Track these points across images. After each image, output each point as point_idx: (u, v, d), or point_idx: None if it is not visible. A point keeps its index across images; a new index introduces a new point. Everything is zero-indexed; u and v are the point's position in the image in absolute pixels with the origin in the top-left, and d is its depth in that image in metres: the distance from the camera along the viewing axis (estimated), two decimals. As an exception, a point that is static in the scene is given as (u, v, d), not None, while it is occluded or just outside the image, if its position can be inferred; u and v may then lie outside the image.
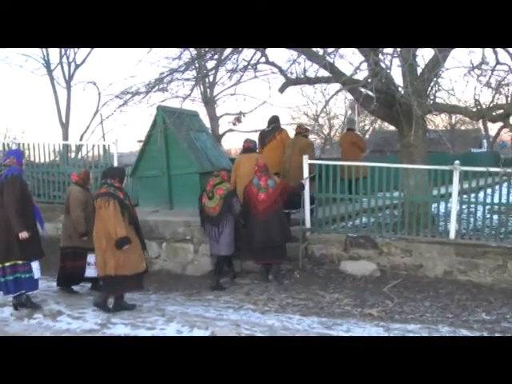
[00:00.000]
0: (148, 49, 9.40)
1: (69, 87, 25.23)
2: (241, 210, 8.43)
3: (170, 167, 9.81)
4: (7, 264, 6.75)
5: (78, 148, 14.39)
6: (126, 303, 7.07)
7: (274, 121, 10.60)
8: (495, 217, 9.15)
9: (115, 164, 10.65)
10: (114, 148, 11.00)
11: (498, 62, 8.53)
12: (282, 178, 9.17)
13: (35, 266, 6.89)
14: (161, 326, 6.26)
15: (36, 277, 6.90)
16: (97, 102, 25.32)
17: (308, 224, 9.24)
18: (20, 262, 6.77)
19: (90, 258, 7.55)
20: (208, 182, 8.58)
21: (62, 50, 23.99)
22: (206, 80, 22.32)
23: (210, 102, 24.54)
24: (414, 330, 6.37)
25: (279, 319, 6.72)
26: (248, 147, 9.53)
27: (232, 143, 45.23)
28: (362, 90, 8.67)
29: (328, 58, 8.63)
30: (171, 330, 6.08)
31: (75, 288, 8.12)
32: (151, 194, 10.10)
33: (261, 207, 8.34)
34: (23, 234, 6.62)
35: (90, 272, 7.67)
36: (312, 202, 9.29)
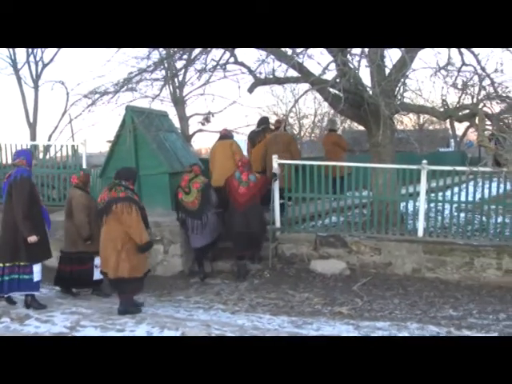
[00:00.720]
0: (116, 48, 9.35)
1: (36, 87, 24.84)
2: (223, 200, 8.74)
3: (140, 167, 9.74)
4: (7, 264, 6.75)
5: (46, 148, 14.22)
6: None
7: (264, 122, 11.26)
8: (462, 215, 9.28)
9: (84, 165, 10.55)
10: (82, 148, 10.89)
11: (463, 63, 8.66)
12: (266, 175, 9.35)
13: (37, 268, 6.86)
14: (131, 327, 6.19)
15: (36, 279, 6.87)
16: (65, 101, 24.97)
17: (278, 223, 9.27)
18: (22, 264, 6.76)
19: (97, 260, 7.51)
20: (182, 178, 8.75)
21: (29, 49, 23.63)
22: (176, 80, 22.21)
23: (179, 102, 24.40)
24: (383, 327, 6.43)
25: (249, 319, 6.72)
26: (224, 134, 10.07)
27: (202, 143, 45.09)
28: (331, 90, 8.72)
29: (297, 58, 8.68)
30: (141, 332, 6.01)
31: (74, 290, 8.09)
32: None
33: (241, 200, 8.60)
34: (32, 238, 6.61)
35: (97, 275, 7.66)
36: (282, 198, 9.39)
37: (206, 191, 8.61)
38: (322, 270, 8.77)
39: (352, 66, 8.35)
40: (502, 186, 8.87)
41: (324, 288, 8.16)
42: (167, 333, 5.94)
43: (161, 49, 10.13)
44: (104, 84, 9.73)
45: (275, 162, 9.16)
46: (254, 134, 11.02)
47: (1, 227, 6.96)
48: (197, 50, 9.42)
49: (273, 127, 11.48)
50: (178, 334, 5.90)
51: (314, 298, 7.66)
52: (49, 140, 23.60)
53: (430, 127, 34.59)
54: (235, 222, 8.58)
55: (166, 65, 10.06)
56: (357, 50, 8.42)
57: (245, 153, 10.90)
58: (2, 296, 6.94)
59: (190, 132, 26.16)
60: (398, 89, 8.84)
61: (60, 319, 6.52)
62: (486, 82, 8.53)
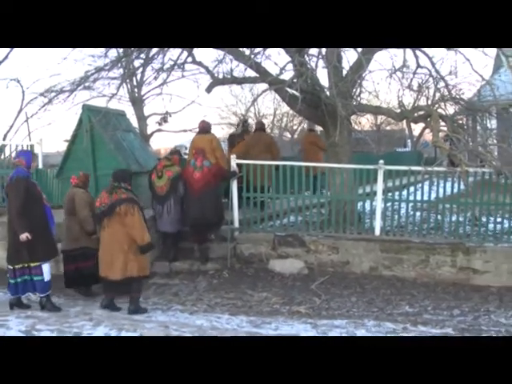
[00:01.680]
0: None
1: (-10, 85, 24.30)
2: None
3: (97, 168, 9.62)
4: (17, 266, 6.83)
5: (1, 148, 13.89)
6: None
7: (243, 124, 12.09)
8: (418, 214, 9.44)
9: (40, 165, 10.37)
10: (38, 148, 10.72)
11: (418, 66, 8.83)
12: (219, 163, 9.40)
13: (46, 268, 6.91)
14: (88, 330, 6.10)
15: (47, 279, 6.92)
16: (21, 100, 24.42)
17: (236, 223, 9.27)
18: (32, 265, 6.82)
19: None
20: (159, 162, 9.11)
21: (-18, 47, 23.04)
22: (133, 79, 22.01)
23: (137, 101, 24.19)
24: (340, 325, 6.51)
25: (208, 319, 6.72)
26: (203, 127, 10.29)
27: (160, 143, 44.68)
28: (289, 90, 8.77)
29: (254, 58, 8.71)
30: (99, 334, 5.94)
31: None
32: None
33: (196, 186, 8.67)
34: (23, 236, 6.59)
35: None
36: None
37: (176, 181, 8.76)
38: (281, 269, 8.80)
39: (309, 67, 8.43)
40: (456, 185, 9.05)
41: (282, 287, 8.20)
42: (125, 335, 5.89)
43: (118, 47, 10.05)
44: (60, 82, 9.62)
45: (234, 162, 9.17)
46: (234, 135, 11.56)
47: (7, 230, 7.03)
48: (154, 50, 9.35)
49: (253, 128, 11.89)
50: (135, 335, 5.86)
51: (273, 298, 7.69)
52: (4, 139, 23.06)
53: (388, 128, 35.12)
54: (191, 208, 8.67)
55: (123, 63, 9.94)
56: (314, 51, 8.52)
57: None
58: (14, 298, 6.98)
59: (149, 132, 25.99)
60: (354, 90, 8.95)
61: (15, 323, 6.38)
62: (441, 84, 8.72)
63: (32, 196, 6.82)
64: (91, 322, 6.47)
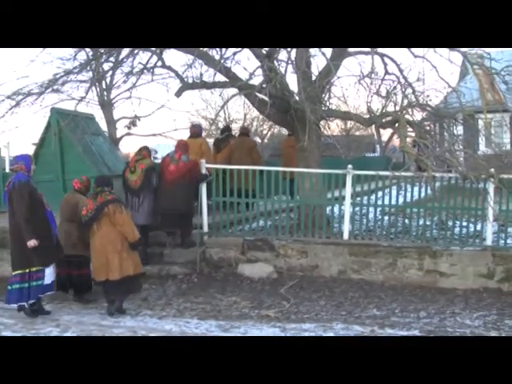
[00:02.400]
0: (41, 48, 9.13)
1: (-46, 86, 23.79)
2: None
3: (65, 171, 9.55)
4: (19, 272, 6.82)
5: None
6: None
7: (227, 129, 12.58)
8: (386, 218, 9.54)
9: (7, 168, 10.24)
10: (5, 151, 10.57)
11: (386, 72, 8.95)
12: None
13: (49, 271, 6.93)
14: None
15: (48, 282, 6.94)
16: (-14, 103, 23.98)
17: (205, 228, 9.26)
18: (34, 269, 6.81)
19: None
20: (131, 158, 9.31)
21: None
22: (103, 82, 21.81)
23: (106, 104, 23.94)
24: (309, 328, 6.54)
25: (177, 324, 6.71)
26: (194, 132, 10.83)
27: (130, 147, 44.31)
28: (258, 95, 8.80)
29: (224, 63, 8.73)
30: (66, 340, 5.90)
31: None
32: (46, 199, 9.74)
33: (170, 177, 8.85)
34: (31, 243, 6.60)
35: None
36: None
37: (149, 173, 8.93)
38: (250, 273, 8.81)
39: (278, 72, 8.47)
40: (423, 190, 9.18)
41: (251, 291, 8.21)
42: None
43: (87, 49, 9.98)
44: (28, 85, 9.44)
45: (203, 166, 9.16)
46: (219, 140, 11.82)
47: (9, 236, 7.03)
48: (124, 53, 9.32)
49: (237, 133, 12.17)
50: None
51: (242, 302, 7.70)
52: (-31, 143, 22.68)
53: (357, 133, 35.42)
54: (162, 199, 8.81)
55: (92, 66, 9.86)
56: (283, 56, 8.58)
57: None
58: (23, 305, 6.90)
59: (118, 135, 25.74)
60: (323, 95, 9.02)
61: (-21, 330, 6.32)
62: (409, 90, 8.84)
63: (35, 200, 6.83)
64: (58, 328, 6.44)
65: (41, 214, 6.88)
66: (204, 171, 9.15)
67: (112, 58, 9.67)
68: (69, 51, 9.83)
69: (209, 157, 10.34)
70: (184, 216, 8.88)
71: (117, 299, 7.18)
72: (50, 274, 6.94)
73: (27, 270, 6.79)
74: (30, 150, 10.73)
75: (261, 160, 11.75)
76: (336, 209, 9.60)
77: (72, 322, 6.76)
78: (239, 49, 8.89)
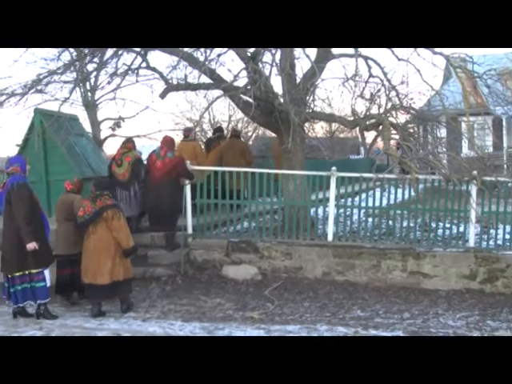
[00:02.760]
0: (24, 48, 9.08)
1: None
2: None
3: (49, 173, 9.49)
4: (17, 274, 6.75)
5: None
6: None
7: (219, 130, 12.89)
8: (370, 220, 9.59)
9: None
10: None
11: (370, 75, 8.99)
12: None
13: (47, 274, 6.94)
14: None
15: (48, 284, 6.96)
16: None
17: (190, 229, 9.24)
18: (34, 271, 6.80)
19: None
20: (117, 151, 9.41)
21: None
22: (87, 83, 21.69)
23: (90, 105, 23.80)
24: (293, 330, 6.56)
25: (161, 326, 6.68)
26: (187, 135, 11.08)
27: (114, 148, 44.15)
28: (243, 96, 8.81)
29: (208, 64, 8.72)
30: (48, 343, 5.86)
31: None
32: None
33: (157, 174, 8.93)
34: (31, 245, 6.59)
35: None
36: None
37: (136, 165, 9.14)
38: (234, 275, 8.80)
39: (263, 74, 8.49)
40: (407, 192, 9.24)
41: (236, 293, 8.21)
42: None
43: (71, 50, 9.92)
44: (12, 85, 9.38)
45: (189, 167, 9.14)
46: (210, 140, 12.22)
47: (2, 238, 6.94)
48: (108, 54, 9.28)
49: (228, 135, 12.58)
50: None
51: (226, 304, 7.69)
52: (-49, 144, 22.46)
53: (341, 135, 35.50)
54: (148, 196, 8.90)
55: (76, 67, 9.80)
56: (268, 58, 8.59)
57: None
58: (18, 307, 6.91)
59: (102, 137, 25.62)
60: (307, 97, 9.04)
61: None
62: (392, 93, 8.88)
63: (33, 202, 6.84)
64: (41, 330, 6.40)
65: (38, 216, 6.90)
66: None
67: (96, 59, 9.65)
68: (52, 51, 9.79)
69: (203, 158, 10.57)
70: (169, 215, 8.88)
71: (102, 302, 7.21)
72: (49, 277, 6.98)
73: (26, 272, 6.76)
74: (14, 151, 10.67)
75: (253, 161, 11.94)
76: (320, 210, 9.62)
77: (55, 324, 6.72)
78: (224, 50, 8.88)
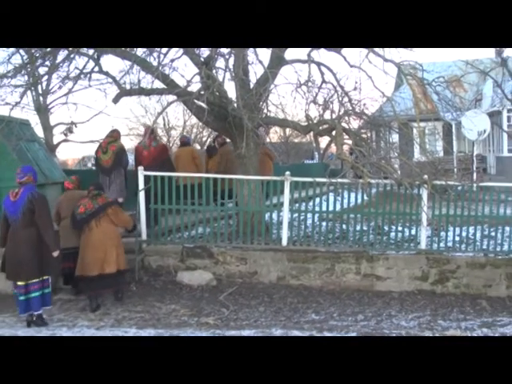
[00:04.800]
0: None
1: None
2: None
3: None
4: (35, 280, 6.86)
5: None
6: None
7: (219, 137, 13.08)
8: (324, 224, 9.67)
9: None
10: None
11: (323, 81, 9.09)
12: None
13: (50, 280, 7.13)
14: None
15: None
16: None
17: (144, 235, 9.16)
18: (45, 277, 6.97)
19: None
20: (103, 140, 10.13)
21: None
22: (39, 87, 21.30)
23: (42, 110, 23.38)
24: (248, 335, 6.57)
25: (115, 334, 6.61)
26: (183, 142, 12.43)
27: (67, 154, 43.47)
28: (196, 102, 8.78)
29: (161, 69, 8.68)
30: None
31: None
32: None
33: (145, 162, 9.63)
34: (56, 253, 6.87)
35: None
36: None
37: (120, 154, 9.80)
38: (189, 281, 8.75)
39: (216, 79, 8.50)
40: (360, 196, 9.35)
41: (191, 299, 8.17)
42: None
43: (22, 53, 9.74)
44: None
45: (141, 173, 9.06)
46: (211, 148, 13.23)
47: (15, 245, 6.86)
48: (60, 57, 9.14)
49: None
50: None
51: (181, 310, 7.65)
52: None
53: (296, 140, 35.79)
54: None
55: (27, 70, 9.61)
56: (221, 64, 8.61)
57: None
58: (30, 315, 6.95)
59: (55, 142, 25.20)
60: (261, 103, 9.07)
61: None
62: (345, 99, 8.98)
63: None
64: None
65: None
66: (141, 179, 9.04)
67: (48, 62, 9.47)
68: (2, 54, 9.59)
69: (199, 161, 11.68)
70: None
71: (102, 294, 7.81)
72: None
73: (41, 278, 6.90)
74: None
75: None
76: (274, 215, 9.67)
77: (5, 335, 6.53)
78: (177, 55, 8.88)
